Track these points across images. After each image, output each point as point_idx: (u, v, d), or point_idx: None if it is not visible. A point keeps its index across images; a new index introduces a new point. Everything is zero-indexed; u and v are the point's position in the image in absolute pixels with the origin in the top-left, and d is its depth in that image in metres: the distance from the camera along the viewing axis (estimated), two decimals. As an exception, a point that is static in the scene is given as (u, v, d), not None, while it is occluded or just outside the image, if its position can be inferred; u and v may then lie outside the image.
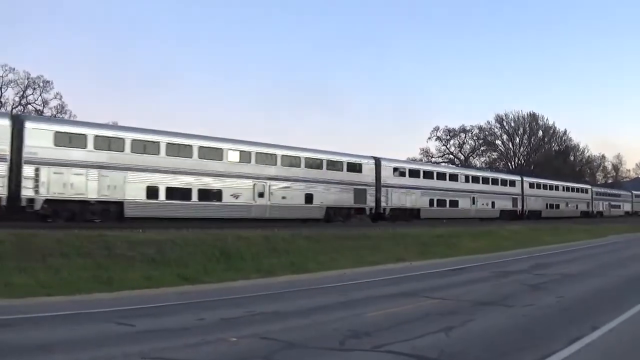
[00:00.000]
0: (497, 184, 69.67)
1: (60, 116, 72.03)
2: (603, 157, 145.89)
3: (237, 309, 14.68)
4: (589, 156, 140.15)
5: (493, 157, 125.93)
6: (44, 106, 75.70)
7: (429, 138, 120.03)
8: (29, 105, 75.16)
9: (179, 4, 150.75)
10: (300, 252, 26.71)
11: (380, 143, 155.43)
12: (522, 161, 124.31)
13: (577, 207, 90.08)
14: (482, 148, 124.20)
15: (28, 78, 74.80)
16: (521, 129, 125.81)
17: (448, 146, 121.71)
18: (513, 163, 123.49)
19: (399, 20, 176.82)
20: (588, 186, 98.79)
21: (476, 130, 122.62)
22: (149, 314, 14.16)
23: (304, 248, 27.95)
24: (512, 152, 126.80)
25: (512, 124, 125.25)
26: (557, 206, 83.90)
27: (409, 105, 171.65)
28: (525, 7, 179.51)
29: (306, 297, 17.51)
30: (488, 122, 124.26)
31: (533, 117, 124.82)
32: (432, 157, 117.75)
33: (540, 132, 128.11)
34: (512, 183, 73.77)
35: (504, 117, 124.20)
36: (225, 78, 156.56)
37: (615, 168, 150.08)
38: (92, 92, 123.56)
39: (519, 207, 73.42)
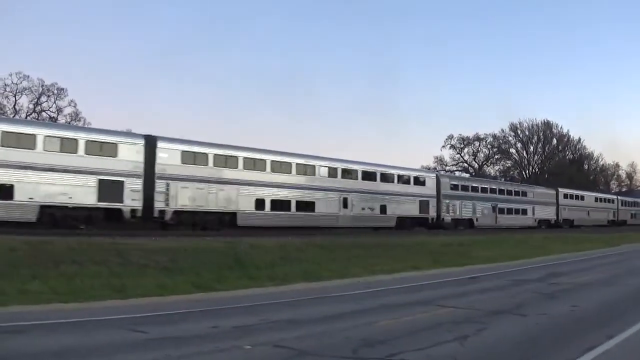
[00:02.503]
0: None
1: (75, 123, 72.44)
2: (617, 165, 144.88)
3: (251, 317, 14.67)
4: (603, 164, 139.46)
5: (507, 165, 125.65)
6: (58, 114, 76.28)
7: (443, 146, 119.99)
8: (43, 113, 75.66)
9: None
10: (314, 261, 26.69)
11: (394, 151, 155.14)
12: (537, 169, 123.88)
13: (383, 211, 51.80)
14: (496, 156, 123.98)
15: (42, 85, 75.41)
16: (535, 137, 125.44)
17: (462, 154, 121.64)
18: (527, 171, 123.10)
19: (410, 24, 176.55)
20: (429, 174, 65.60)
21: (490, 139, 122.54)
22: (162, 322, 14.18)
23: (317, 256, 27.97)
24: (526, 161, 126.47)
25: (527, 132, 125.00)
26: (306, 206, 45.39)
27: (422, 113, 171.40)
28: (539, 14, 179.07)
29: (320, 305, 17.50)
30: (502, 130, 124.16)
31: (547, 125, 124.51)
32: (446, 165, 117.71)
33: (555, 141, 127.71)
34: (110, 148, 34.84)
35: (518, 126, 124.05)
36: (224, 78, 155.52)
37: (629, 176, 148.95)
38: (106, 98, 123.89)
39: (126, 201, 34.85)
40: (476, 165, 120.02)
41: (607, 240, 54.86)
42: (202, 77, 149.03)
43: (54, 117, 75.05)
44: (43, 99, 76.03)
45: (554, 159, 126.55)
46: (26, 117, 71.34)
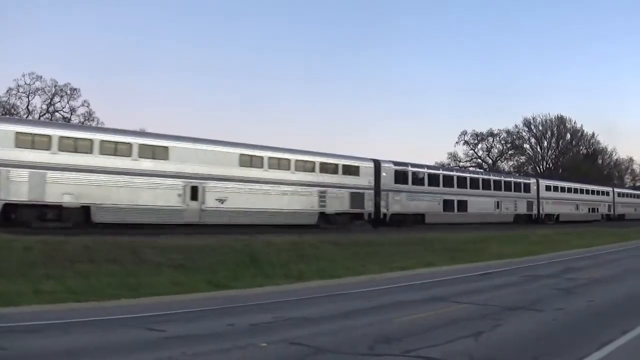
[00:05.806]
0: None
1: (88, 124, 72.68)
2: (631, 160, 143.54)
3: (267, 315, 14.70)
4: (616, 159, 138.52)
5: (521, 160, 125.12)
6: (71, 114, 76.26)
7: (457, 142, 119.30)
8: (56, 113, 75.78)
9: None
10: (329, 258, 26.67)
11: (407, 147, 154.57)
12: (551, 164, 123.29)
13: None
14: (510, 152, 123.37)
15: (55, 86, 75.24)
16: (549, 132, 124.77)
17: (476, 150, 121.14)
18: (541, 166, 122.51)
19: (419, 21, 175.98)
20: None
21: (504, 134, 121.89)
22: (178, 320, 14.20)
23: (332, 254, 27.91)
24: (540, 156, 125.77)
25: (540, 128, 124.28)
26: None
27: (435, 109, 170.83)
28: (552, 10, 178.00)
29: (335, 303, 17.48)
30: (516, 126, 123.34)
31: (561, 120, 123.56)
32: (459, 161, 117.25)
33: (568, 136, 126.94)
34: None
35: (531, 121, 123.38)
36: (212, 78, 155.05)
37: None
38: (119, 98, 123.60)
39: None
40: (490, 161, 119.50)
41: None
42: (196, 73, 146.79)
43: (67, 117, 75.24)
44: (56, 99, 76.09)
45: (568, 154, 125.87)
46: (39, 118, 71.57)
